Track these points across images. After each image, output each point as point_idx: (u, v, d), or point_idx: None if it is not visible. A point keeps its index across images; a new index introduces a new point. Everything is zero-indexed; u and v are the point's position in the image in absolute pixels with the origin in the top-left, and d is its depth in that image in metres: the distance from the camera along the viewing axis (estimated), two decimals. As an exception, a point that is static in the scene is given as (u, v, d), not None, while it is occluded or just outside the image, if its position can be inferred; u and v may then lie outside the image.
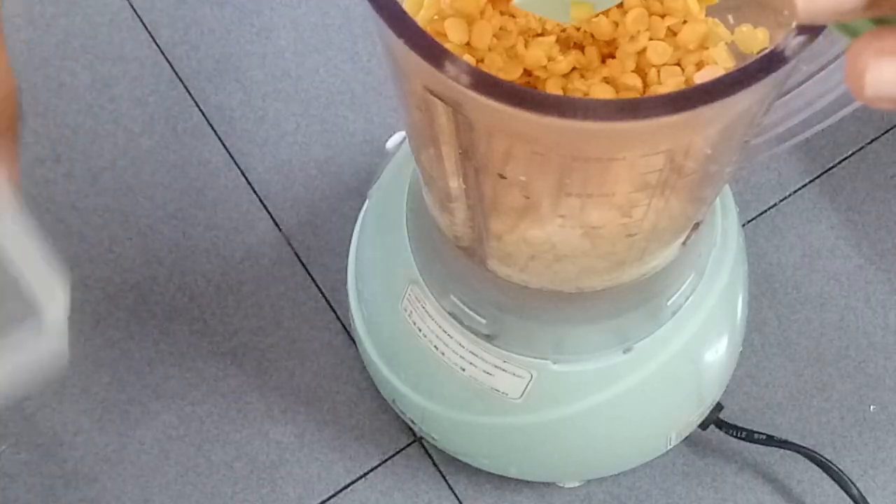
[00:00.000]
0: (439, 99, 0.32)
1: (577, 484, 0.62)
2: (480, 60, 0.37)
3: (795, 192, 0.69)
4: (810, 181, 0.70)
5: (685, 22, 0.38)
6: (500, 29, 0.37)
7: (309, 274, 0.68)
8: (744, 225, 0.68)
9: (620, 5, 0.38)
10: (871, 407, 0.65)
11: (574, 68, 0.38)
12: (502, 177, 0.36)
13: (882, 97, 0.24)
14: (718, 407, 0.60)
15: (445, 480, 0.63)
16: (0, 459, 0.64)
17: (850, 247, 0.68)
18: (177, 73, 0.73)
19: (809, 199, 0.69)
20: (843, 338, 0.66)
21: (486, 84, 0.30)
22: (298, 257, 0.68)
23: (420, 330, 0.53)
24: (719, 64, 0.38)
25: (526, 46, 0.38)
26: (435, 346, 0.53)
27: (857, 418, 0.64)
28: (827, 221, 0.69)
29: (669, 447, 0.59)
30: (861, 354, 0.66)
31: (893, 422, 0.64)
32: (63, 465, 0.64)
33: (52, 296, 0.29)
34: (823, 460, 0.60)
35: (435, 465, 0.64)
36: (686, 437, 0.60)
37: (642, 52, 0.38)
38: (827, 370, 0.65)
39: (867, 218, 0.69)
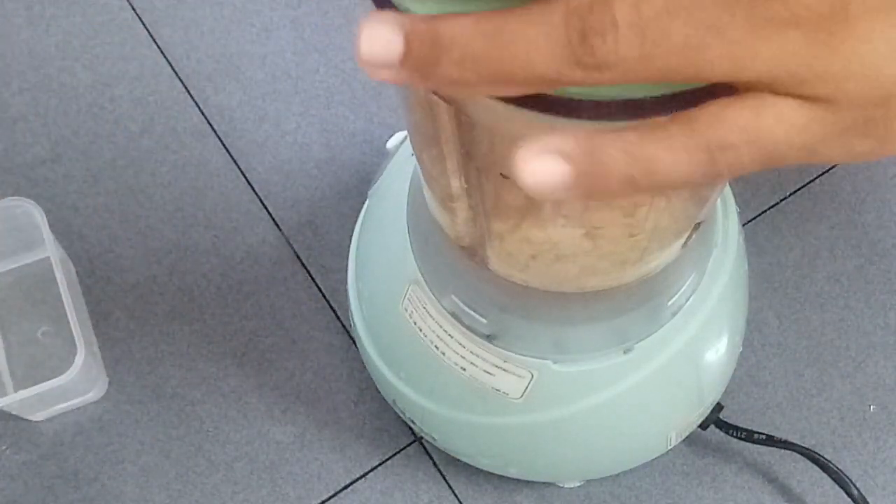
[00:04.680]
0: (441, 98, 0.32)
1: (577, 484, 0.62)
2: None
3: (795, 192, 0.69)
4: (810, 181, 0.70)
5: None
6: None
7: (309, 274, 0.68)
8: (744, 225, 0.68)
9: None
10: (871, 407, 0.65)
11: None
12: (504, 176, 0.36)
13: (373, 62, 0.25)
14: (718, 407, 0.60)
15: (445, 480, 0.63)
16: (0, 459, 0.64)
17: (850, 247, 0.68)
18: (177, 73, 0.73)
19: (809, 199, 0.69)
20: (843, 338, 0.66)
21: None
22: (298, 257, 0.68)
23: (421, 330, 0.53)
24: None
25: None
26: (435, 346, 0.53)
27: (857, 418, 0.64)
28: (827, 221, 0.69)
29: (669, 447, 0.59)
30: (861, 354, 0.66)
31: (893, 422, 0.64)
32: (63, 465, 0.64)
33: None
34: (823, 460, 0.60)
35: (435, 465, 0.64)
36: (686, 437, 0.60)
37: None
38: (827, 370, 0.65)
39: (867, 218, 0.69)
